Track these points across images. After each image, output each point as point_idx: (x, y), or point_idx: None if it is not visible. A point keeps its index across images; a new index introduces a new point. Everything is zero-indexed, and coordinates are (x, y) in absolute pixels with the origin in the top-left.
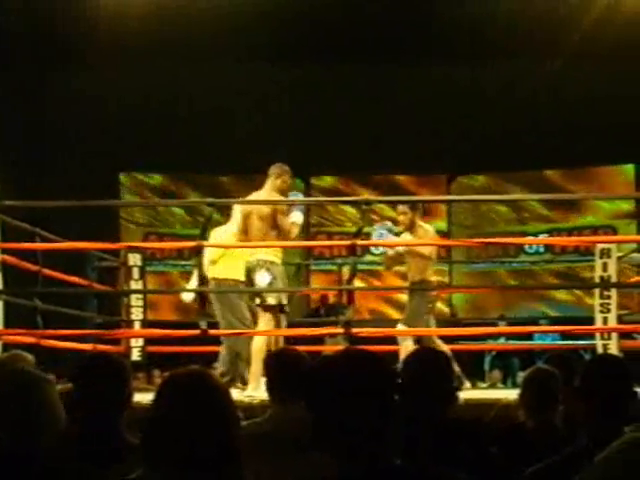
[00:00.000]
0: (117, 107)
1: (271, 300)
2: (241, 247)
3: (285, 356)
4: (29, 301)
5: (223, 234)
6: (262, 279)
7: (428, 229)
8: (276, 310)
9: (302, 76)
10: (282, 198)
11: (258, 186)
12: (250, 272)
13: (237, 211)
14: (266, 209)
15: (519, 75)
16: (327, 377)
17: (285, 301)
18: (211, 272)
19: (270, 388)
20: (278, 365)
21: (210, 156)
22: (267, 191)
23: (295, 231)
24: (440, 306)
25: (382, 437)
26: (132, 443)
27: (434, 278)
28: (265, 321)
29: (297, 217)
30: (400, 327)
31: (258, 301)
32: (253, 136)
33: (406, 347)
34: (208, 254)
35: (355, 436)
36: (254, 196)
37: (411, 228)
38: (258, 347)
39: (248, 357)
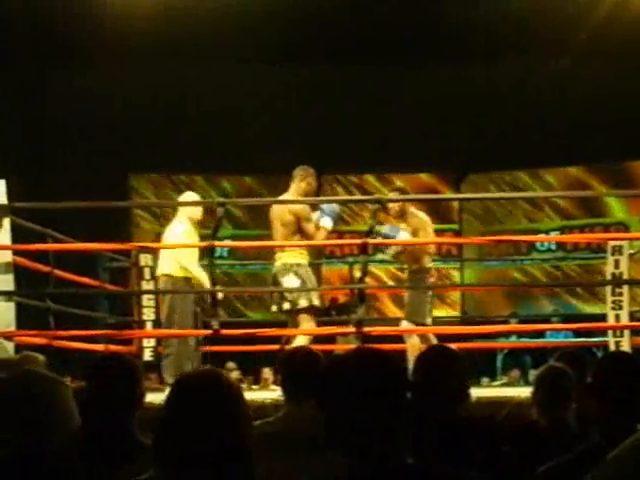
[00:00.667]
0: (124, 106)
1: (303, 302)
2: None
3: (299, 355)
4: (41, 302)
5: (170, 233)
6: (290, 284)
7: (422, 216)
8: (311, 312)
9: (310, 77)
10: (306, 206)
11: (262, 187)
12: (277, 276)
13: (183, 211)
14: (289, 215)
15: (528, 73)
16: (338, 376)
17: (317, 302)
18: (166, 269)
19: (284, 387)
20: (292, 364)
21: (217, 156)
22: (291, 194)
23: (321, 236)
24: (452, 304)
25: (393, 436)
26: (144, 443)
27: (431, 265)
28: (305, 326)
29: (326, 222)
30: (404, 324)
31: (288, 306)
32: (260, 136)
33: (412, 345)
34: (169, 252)
35: (366, 435)
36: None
37: (403, 216)
38: None
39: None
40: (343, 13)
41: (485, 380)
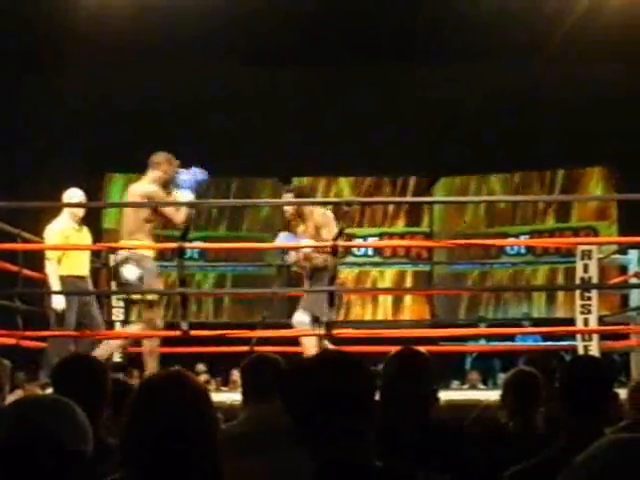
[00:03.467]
0: (100, 107)
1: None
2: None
3: (258, 358)
4: (10, 302)
5: (50, 232)
6: (129, 273)
7: (323, 211)
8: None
9: (290, 76)
10: (158, 189)
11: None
12: (117, 267)
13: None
14: (140, 199)
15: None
16: (306, 378)
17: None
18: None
19: (244, 389)
20: (251, 367)
21: (191, 156)
22: (146, 181)
23: (182, 214)
24: (421, 307)
25: (360, 437)
26: (111, 444)
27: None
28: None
29: (185, 197)
30: (298, 313)
31: (136, 297)
32: (238, 136)
33: (308, 344)
34: (48, 252)
35: (333, 437)
36: (131, 187)
37: (301, 216)
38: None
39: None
40: (328, 13)
41: (456, 383)
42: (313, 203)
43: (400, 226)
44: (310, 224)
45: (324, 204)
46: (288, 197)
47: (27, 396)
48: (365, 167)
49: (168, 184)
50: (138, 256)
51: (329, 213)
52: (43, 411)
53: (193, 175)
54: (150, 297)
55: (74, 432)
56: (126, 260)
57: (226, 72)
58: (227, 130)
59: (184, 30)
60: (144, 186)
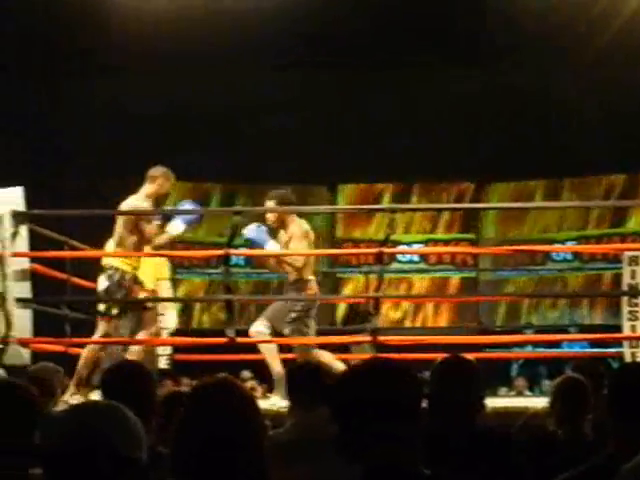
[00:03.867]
0: (142, 112)
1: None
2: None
3: (303, 366)
4: (58, 309)
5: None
6: (100, 285)
7: (300, 224)
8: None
9: (324, 82)
10: (148, 205)
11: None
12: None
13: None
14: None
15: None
16: (354, 387)
17: (114, 310)
18: None
19: (291, 398)
20: (299, 375)
21: (229, 163)
22: (140, 195)
23: (161, 240)
24: (465, 313)
25: (407, 445)
26: (161, 452)
27: (311, 278)
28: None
29: (174, 227)
30: (257, 323)
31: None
32: (274, 144)
33: (269, 350)
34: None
35: (380, 444)
36: (127, 200)
37: (283, 223)
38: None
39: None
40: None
41: (503, 390)
42: (350, 210)
43: (446, 233)
44: (288, 232)
45: (364, 211)
46: (270, 204)
47: (83, 402)
48: (412, 172)
49: (162, 200)
50: (113, 269)
51: (305, 227)
52: (99, 416)
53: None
54: (114, 311)
55: (129, 438)
56: (102, 271)
57: (261, 78)
58: (264, 136)
59: (218, 36)
60: (135, 201)
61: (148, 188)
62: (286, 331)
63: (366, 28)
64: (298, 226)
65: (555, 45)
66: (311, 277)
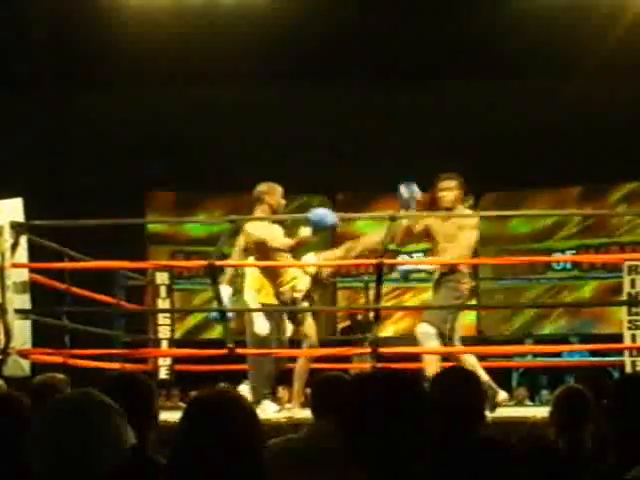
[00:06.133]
0: (141, 125)
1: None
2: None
3: (329, 377)
4: (57, 320)
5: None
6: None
7: (472, 214)
8: None
9: (323, 95)
10: (269, 223)
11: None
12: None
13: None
14: (255, 236)
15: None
16: (361, 397)
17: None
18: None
19: (312, 407)
20: (320, 386)
21: (234, 174)
22: (259, 224)
23: (291, 244)
24: (467, 322)
25: (415, 455)
26: (159, 462)
27: (467, 270)
28: None
29: (305, 232)
30: (420, 326)
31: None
32: (276, 154)
33: (429, 358)
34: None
35: (388, 454)
36: (246, 227)
37: (453, 208)
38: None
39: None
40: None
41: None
42: (355, 217)
43: None
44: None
45: (364, 219)
46: (451, 184)
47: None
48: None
49: (278, 212)
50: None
51: (476, 220)
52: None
53: (324, 215)
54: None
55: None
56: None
57: (267, 88)
58: (267, 148)
59: (225, 51)
60: (260, 230)
61: (261, 208)
62: (451, 334)
63: (358, 39)
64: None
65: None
66: (466, 270)
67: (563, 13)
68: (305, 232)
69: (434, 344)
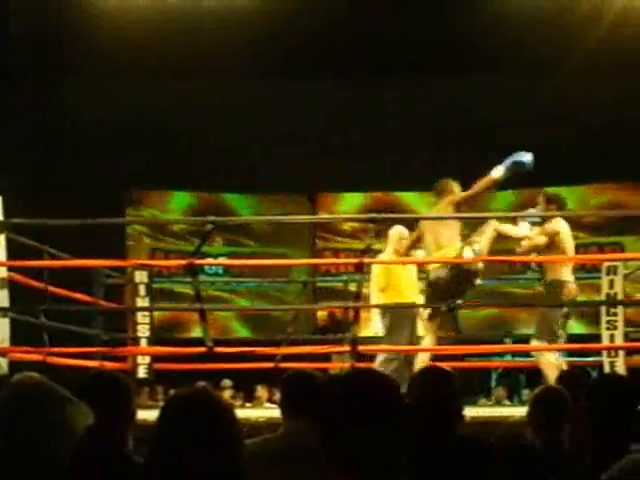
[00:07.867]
0: (121, 122)
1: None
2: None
3: (297, 375)
4: (35, 318)
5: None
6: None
7: (563, 225)
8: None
9: (309, 91)
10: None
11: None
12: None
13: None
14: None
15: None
16: (337, 397)
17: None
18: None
19: (283, 405)
20: (290, 383)
21: (217, 174)
22: (442, 210)
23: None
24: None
25: (391, 455)
26: (136, 462)
27: (571, 279)
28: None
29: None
30: (535, 342)
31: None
32: (262, 153)
33: (546, 362)
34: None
35: (363, 455)
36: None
37: (548, 220)
38: None
39: None
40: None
41: (483, 400)
42: (337, 219)
43: None
44: (549, 229)
45: (345, 220)
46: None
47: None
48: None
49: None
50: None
51: (567, 231)
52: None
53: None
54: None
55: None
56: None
57: (249, 86)
58: (252, 146)
59: (209, 46)
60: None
61: (450, 200)
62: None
63: (347, 38)
64: (562, 226)
65: None
66: (570, 278)
67: (544, 11)
68: (498, 172)
69: (548, 357)
